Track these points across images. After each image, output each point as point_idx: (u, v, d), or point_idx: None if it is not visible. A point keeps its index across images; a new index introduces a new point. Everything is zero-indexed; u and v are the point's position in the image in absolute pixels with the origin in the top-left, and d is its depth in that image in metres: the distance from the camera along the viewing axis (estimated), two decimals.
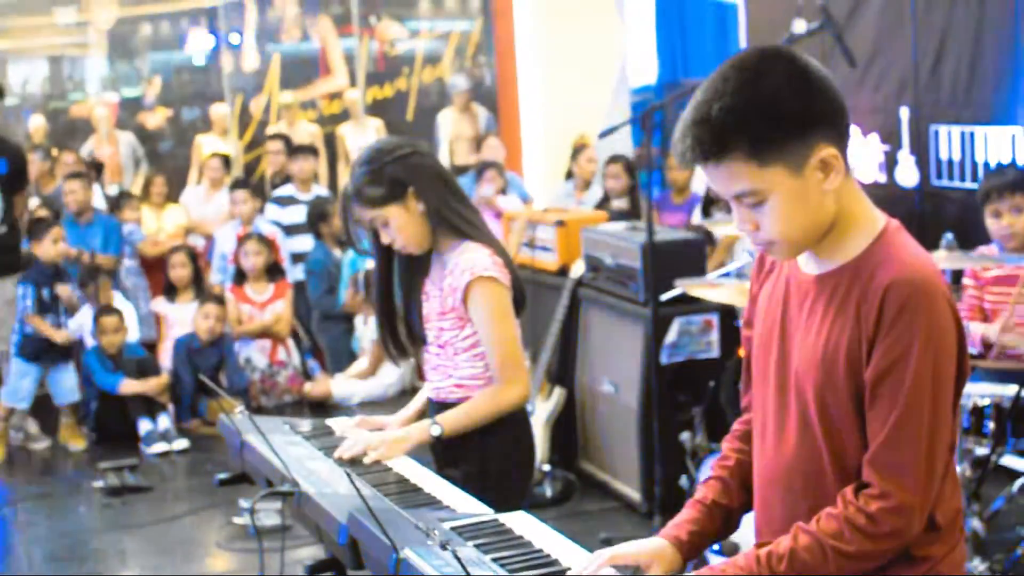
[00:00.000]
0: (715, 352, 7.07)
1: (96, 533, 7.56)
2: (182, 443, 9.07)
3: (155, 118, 14.15)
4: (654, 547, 2.92)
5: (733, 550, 5.56)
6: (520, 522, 3.33)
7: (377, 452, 4.13)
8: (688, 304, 6.92)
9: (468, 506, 3.68)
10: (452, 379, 4.31)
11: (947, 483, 2.69)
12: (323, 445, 4.28)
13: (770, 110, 2.56)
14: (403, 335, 4.42)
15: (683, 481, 6.64)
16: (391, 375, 9.71)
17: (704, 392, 6.80)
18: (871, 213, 2.72)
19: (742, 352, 6.63)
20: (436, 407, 4.35)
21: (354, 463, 4.09)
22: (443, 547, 2.70)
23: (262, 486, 4.14)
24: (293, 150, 11.74)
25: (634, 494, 7.12)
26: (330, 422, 4.62)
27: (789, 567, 2.63)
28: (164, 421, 9.19)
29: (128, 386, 9.17)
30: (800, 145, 2.57)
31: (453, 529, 3.25)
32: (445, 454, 4.30)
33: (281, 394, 9.78)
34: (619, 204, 10.40)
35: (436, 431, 4.21)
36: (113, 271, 10.29)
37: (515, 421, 4.31)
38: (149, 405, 9.23)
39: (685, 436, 6.70)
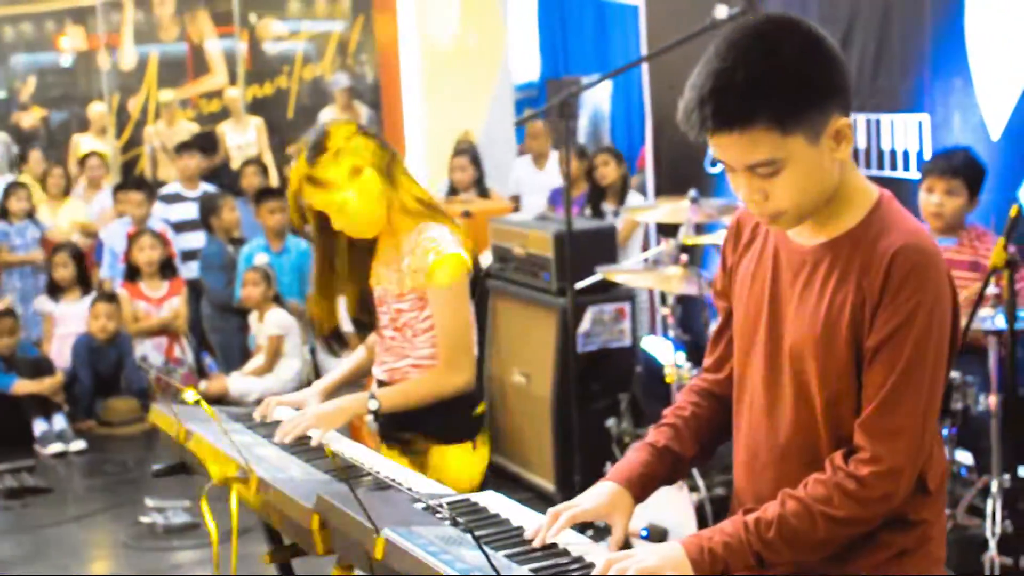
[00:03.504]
0: (628, 341, 7.08)
1: None
2: (79, 444, 8.90)
3: (30, 118, 13.92)
4: (608, 494, 2.91)
5: (661, 536, 5.54)
6: (492, 500, 3.30)
7: (319, 432, 4.04)
8: (599, 293, 6.92)
9: (427, 487, 3.63)
10: (409, 359, 4.21)
11: (935, 447, 2.70)
12: (267, 432, 4.19)
13: (794, 78, 2.54)
14: (350, 323, 4.33)
15: (607, 468, 6.61)
16: (288, 372, 9.64)
17: (623, 380, 6.81)
18: (865, 184, 2.73)
19: (646, 342, 6.66)
20: None
21: (302, 446, 4.00)
22: (454, 524, 2.65)
23: (204, 476, 4.03)
24: (177, 147, 11.62)
25: (547, 484, 7.10)
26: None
27: (777, 533, 2.60)
28: (59, 421, 9.02)
29: (22, 386, 8.99)
30: (819, 114, 2.56)
31: (427, 509, 3.19)
32: (389, 436, 4.24)
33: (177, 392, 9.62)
34: (467, 197, 10.32)
35: (373, 405, 4.11)
36: None
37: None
38: (44, 405, 9.04)
39: (611, 422, 6.69)
